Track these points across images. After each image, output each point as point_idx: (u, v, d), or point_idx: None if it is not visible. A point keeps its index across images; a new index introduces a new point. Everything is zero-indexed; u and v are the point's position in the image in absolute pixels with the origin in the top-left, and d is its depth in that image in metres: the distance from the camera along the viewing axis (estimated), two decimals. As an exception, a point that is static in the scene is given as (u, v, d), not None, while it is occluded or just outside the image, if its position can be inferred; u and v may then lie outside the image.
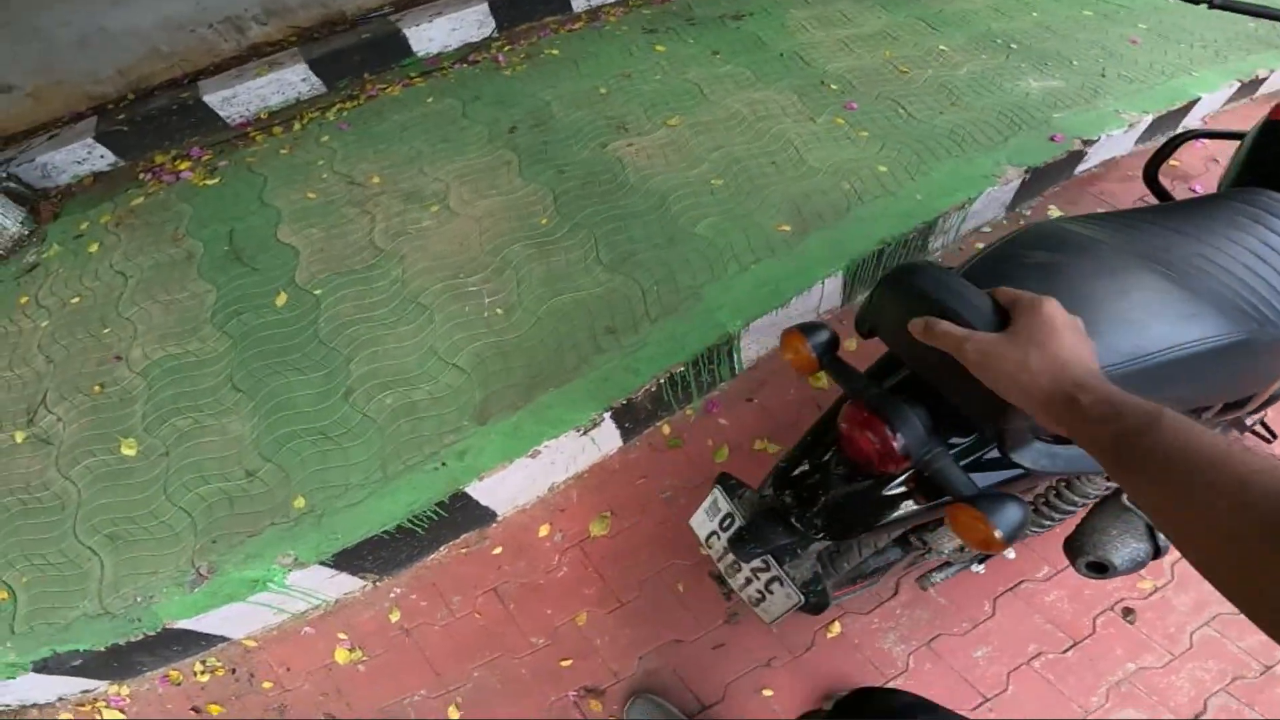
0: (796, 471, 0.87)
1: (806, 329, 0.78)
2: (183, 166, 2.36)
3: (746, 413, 1.75)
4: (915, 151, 2.15)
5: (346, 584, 1.48)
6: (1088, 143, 2.20)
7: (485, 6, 2.66)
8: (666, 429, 1.73)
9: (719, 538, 0.96)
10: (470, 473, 1.45)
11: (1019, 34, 2.92)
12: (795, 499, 0.85)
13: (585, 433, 1.55)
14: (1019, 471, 0.77)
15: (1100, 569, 1.15)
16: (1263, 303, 0.80)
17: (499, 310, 1.72)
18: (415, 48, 2.64)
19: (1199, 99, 2.45)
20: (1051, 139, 2.21)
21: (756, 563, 0.90)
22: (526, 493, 1.61)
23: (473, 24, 2.67)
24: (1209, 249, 0.84)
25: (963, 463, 0.73)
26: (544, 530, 1.57)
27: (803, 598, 0.86)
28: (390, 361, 1.66)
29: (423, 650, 1.43)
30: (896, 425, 0.68)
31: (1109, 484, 1.07)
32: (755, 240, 1.84)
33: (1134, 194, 2.24)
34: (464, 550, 1.56)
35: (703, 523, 0.99)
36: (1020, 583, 1.48)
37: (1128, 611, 1.55)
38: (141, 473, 1.53)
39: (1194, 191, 2.36)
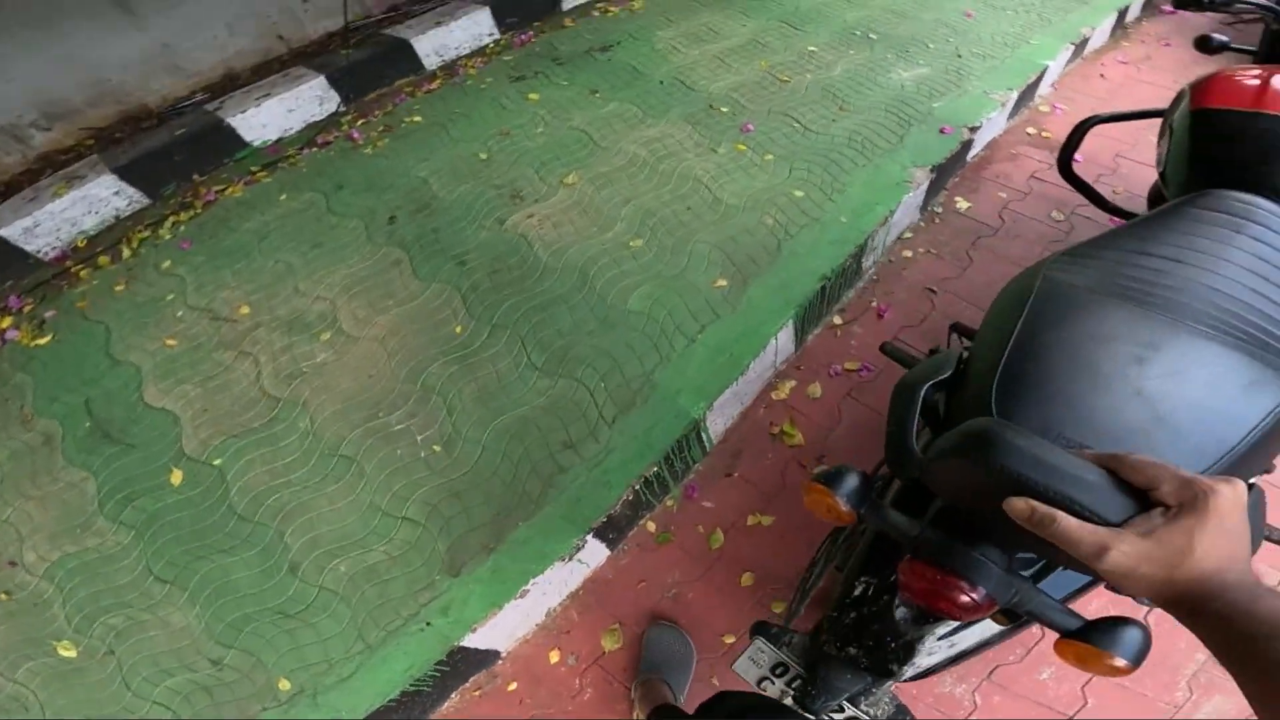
0: (849, 618, 0.77)
1: (830, 479, 0.68)
2: (4, 324, 1.88)
3: (729, 489, 1.62)
4: (824, 168, 2.09)
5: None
6: (973, 129, 2.24)
7: (322, 80, 2.32)
8: (652, 526, 1.57)
9: (773, 683, 0.86)
10: (461, 627, 1.29)
11: (874, 22, 2.97)
12: (859, 646, 0.75)
13: (570, 559, 1.37)
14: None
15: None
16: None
17: (436, 447, 1.48)
18: (248, 137, 2.25)
19: (1046, 67, 2.58)
20: (941, 131, 2.23)
21: (830, 707, 0.80)
22: (523, 625, 1.45)
23: (311, 101, 2.33)
24: (1218, 279, 0.78)
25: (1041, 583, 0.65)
26: (555, 656, 1.43)
27: None
28: (330, 527, 1.40)
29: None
30: (975, 580, 0.60)
31: None
32: (695, 305, 1.70)
33: (1025, 171, 2.32)
34: (478, 693, 1.40)
35: (748, 669, 0.88)
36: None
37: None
38: (94, 671, 1.31)
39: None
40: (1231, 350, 0.69)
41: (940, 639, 0.75)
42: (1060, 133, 2.54)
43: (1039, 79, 2.57)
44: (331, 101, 2.33)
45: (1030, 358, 0.69)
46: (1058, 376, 0.67)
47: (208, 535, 1.44)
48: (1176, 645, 1.37)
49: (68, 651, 1.35)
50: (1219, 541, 0.42)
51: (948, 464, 0.59)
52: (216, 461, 1.52)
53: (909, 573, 0.64)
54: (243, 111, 2.21)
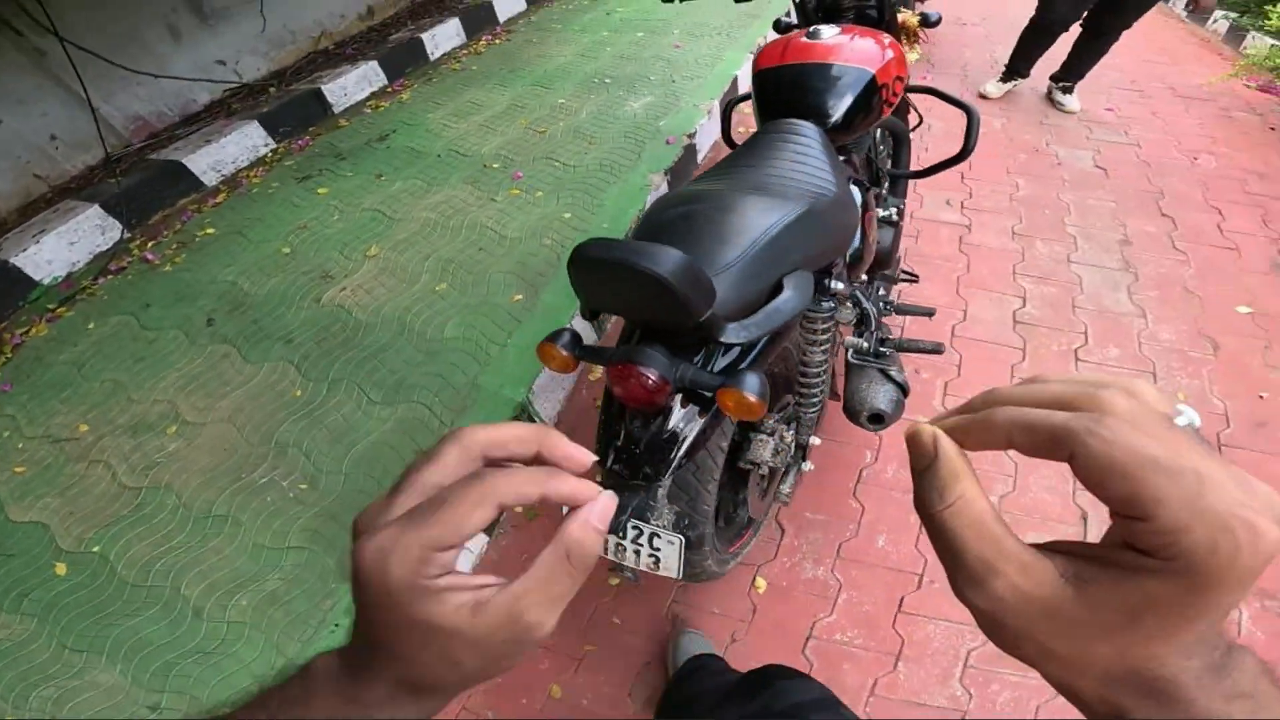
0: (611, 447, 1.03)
1: (553, 337, 0.95)
2: None
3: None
4: (584, 192, 2.57)
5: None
6: (691, 136, 2.86)
7: (97, 209, 2.40)
8: (519, 507, 1.85)
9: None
10: None
11: (607, 69, 3.59)
12: (624, 465, 0.98)
13: None
14: (748, 358, 1.03)
15: (877, 419, 1.58)
16: (810, 184, 1.19)
17: (303, 486, 1.67)
18: (37, 276, 2.27)
19: (735, 75, 3.33)
20: (667, 142, 2.83)
21: (630, 532, 1.06)
22: None
23: (92, 231, 2.39)
24: (768, 165, 1.25)
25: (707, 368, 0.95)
26: None
27: (681, 537, 1.05)
28: (221, 572, 1.53)
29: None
30: (644, 364, 0.87)
31: (824, 346, 1.32)
32: (500, 318, 2.06)
33: (738, 161, 2.96)
34: None
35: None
36: (861, 472, 1.83)
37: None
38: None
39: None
40: (764, 196, 1.10)
41: (666, 438, 1.00)
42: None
43: (735, 84, 3.29)
44: (114, 229, 2.41)
45: (653, 220, 1.07)
46: (665, 226, 1.04)
47: (107, 606, 1.51)
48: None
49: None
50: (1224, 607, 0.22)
51: (576, 282, 0.87)
52: (95, 549, 1.59)
53: (610, 378, 0.91)
54: (23, 250, 2.23)
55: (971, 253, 2.53)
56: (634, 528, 1.06)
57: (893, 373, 1.56)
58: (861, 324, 1.54)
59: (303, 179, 2.72)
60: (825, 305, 1.23)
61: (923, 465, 0.26)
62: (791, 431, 1.40)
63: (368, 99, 3.37)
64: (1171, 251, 2.53)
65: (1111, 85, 3.69)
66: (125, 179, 2.51)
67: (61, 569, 1.58)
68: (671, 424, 0.98)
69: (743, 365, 0.99)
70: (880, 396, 1.52)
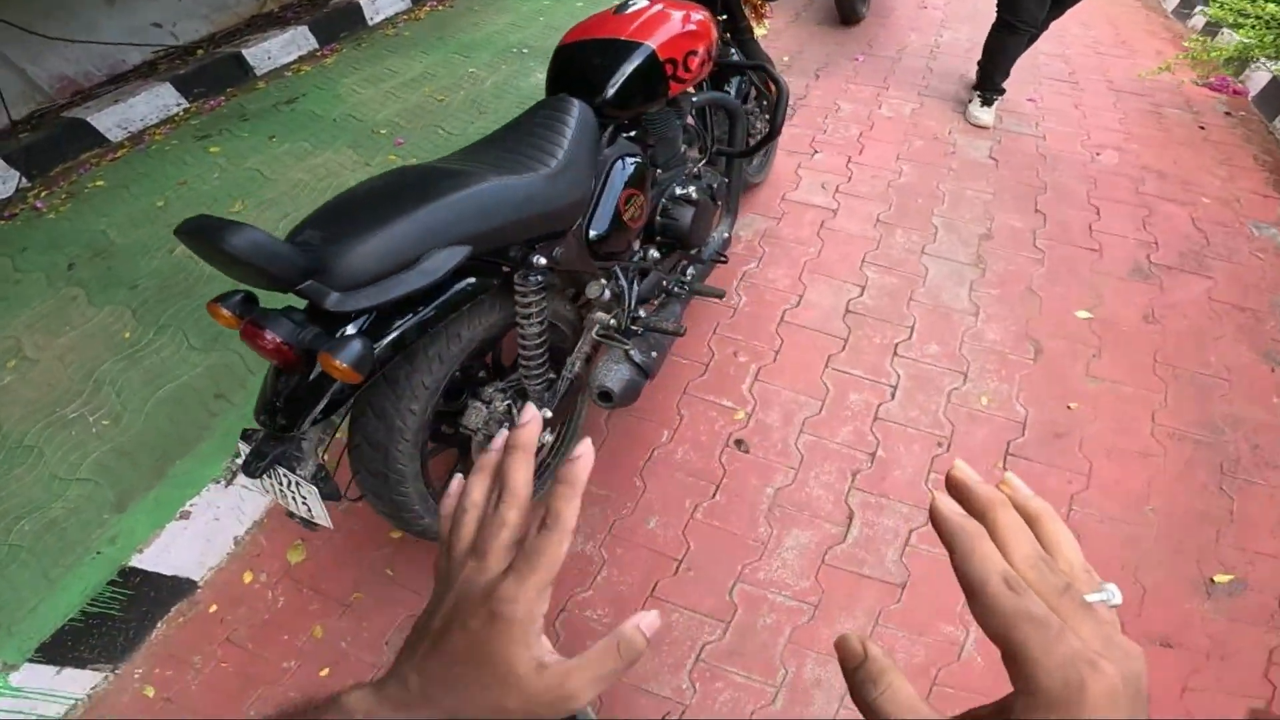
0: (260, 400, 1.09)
1: (219, 299, 0.99)
2: None
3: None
4: (453, 162, 2.65)
5: (83, 679, 1.52)
6: (580, 113, 2.89)
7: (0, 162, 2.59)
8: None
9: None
10: (127, 549, 1.58)
11: (531, 39, 3.63)
12: (265, 416, 1.06)
13: (229, 484, 1.74)
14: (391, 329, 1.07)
15: (605, 396, 1.65)
16: (536, 156, 1.26)
17: (105, 422, 1.83)
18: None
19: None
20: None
21: (281, 481, 1.14)
22: (213, 554, 1.73)
23: (-12, 187, 2.59)
24: (502, 142, 1.32)
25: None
26: (248, 577, 1.69)
27: (315, 487, 1.13)
28: (16, 499, 1.69)
29: (191, 710, 1.50)
30: (265, 326, 0.96)
31: (537, 320, 1.32)
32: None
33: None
34: (181, 619, 1.63)
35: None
36: (652, 451, 1.84)
37: (739, 443, 1.85)
38: None
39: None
40: (455, 174, 1.14)
41: (303, 394, 1.07)
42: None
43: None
44: (12, 180, 2.60)
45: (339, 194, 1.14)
46: (341, 198, 1.11)
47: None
48: (748, 483, 1.74)
49: None
50: None
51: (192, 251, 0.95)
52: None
53: (242, 335, 0.97)
54: None
55: (828, 238, 2.54)
56: (285, 478, 1.12)
57: (634, 354, 1.62)
58: (615, 302, 1.60)
59: (201, 138, 2.87)
60: (532, 280, 1.26)
61: (854, 664, 0.30)
62: (508, 401, 1.48)
63: (293, 63, 3.48)
64: (1029, 249, 2.50)
65: (1047, 76, 3.58)
66: (32, 135, 2.70)
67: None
68: (311, 380, 1.04)
69: (360, 334, 1.02)
70: (611, 375, 1.57)
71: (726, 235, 2.08)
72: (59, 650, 1.51)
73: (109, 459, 1.77)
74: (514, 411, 1.46)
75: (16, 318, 2.12)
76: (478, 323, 1.27)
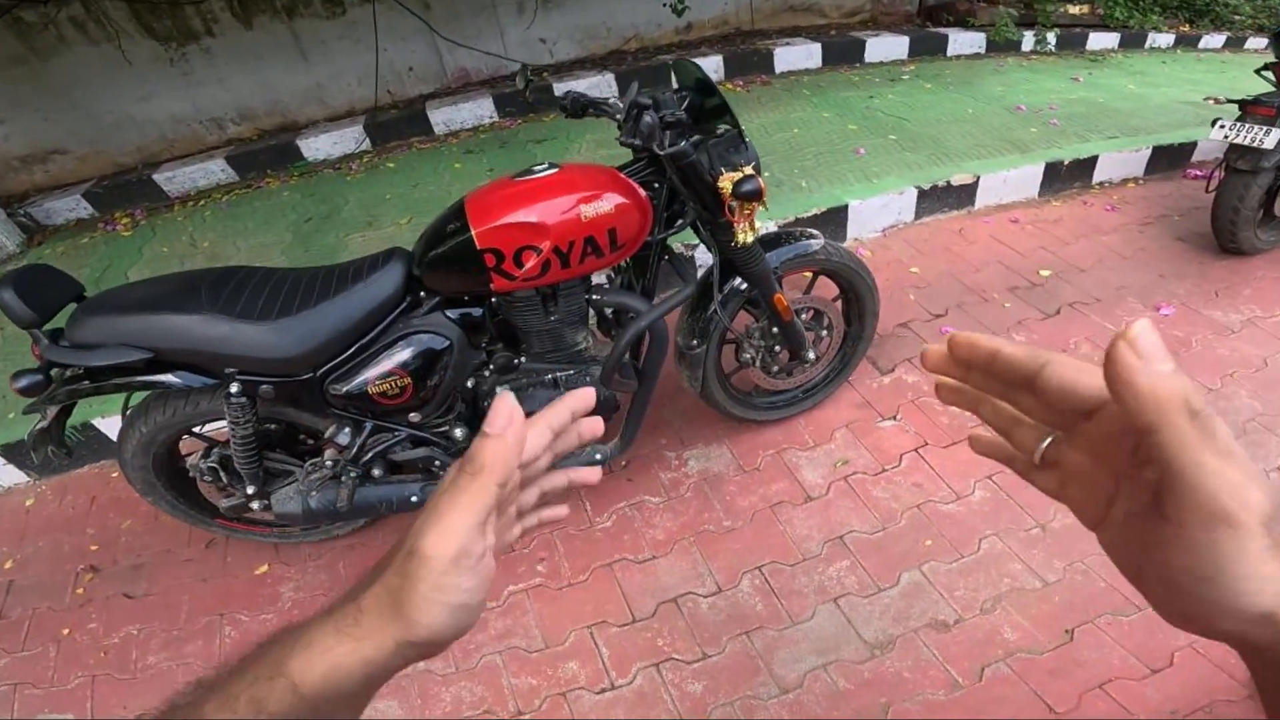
0: None
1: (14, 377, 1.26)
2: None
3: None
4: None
5: None
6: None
7: (360, 128, 3.52)
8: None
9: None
10: None
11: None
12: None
13: None
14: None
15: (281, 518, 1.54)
16: (287, 304, 1.29)
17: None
18: (306, 155, 3.55)
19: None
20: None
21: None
22: None
23: (350, 140, 3.54)
24: (309, 278, 1.36)
25: None
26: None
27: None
28: None
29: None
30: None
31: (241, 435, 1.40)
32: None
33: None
34: None
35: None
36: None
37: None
38: None
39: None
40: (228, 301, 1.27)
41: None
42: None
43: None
44: (364, 143, 3.55)
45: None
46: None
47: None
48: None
49: None
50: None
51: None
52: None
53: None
54: (304, 139, 3.47)
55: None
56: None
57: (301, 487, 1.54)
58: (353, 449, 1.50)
59: (468, 153, 3.39)
60: (233, 399, 1.32)
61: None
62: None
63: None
64: None
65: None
66: (383, 114, 3.64)
67: None
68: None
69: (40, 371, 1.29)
70: (283, 501, 1.50)
71: (600, 457, 1.63)
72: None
73: None
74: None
75: (251, 240, 2.90)
76: (178, 410, 1.41)
